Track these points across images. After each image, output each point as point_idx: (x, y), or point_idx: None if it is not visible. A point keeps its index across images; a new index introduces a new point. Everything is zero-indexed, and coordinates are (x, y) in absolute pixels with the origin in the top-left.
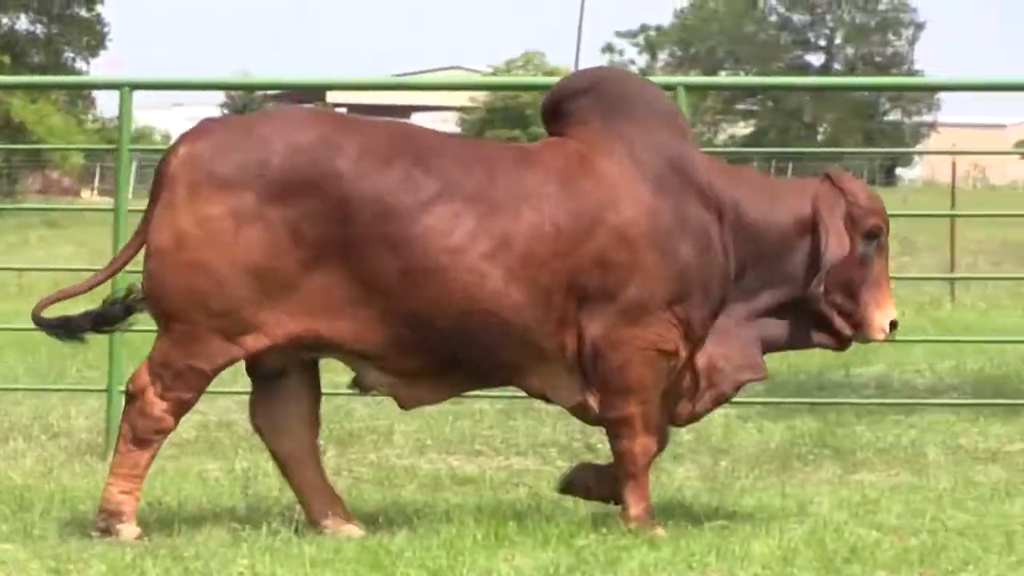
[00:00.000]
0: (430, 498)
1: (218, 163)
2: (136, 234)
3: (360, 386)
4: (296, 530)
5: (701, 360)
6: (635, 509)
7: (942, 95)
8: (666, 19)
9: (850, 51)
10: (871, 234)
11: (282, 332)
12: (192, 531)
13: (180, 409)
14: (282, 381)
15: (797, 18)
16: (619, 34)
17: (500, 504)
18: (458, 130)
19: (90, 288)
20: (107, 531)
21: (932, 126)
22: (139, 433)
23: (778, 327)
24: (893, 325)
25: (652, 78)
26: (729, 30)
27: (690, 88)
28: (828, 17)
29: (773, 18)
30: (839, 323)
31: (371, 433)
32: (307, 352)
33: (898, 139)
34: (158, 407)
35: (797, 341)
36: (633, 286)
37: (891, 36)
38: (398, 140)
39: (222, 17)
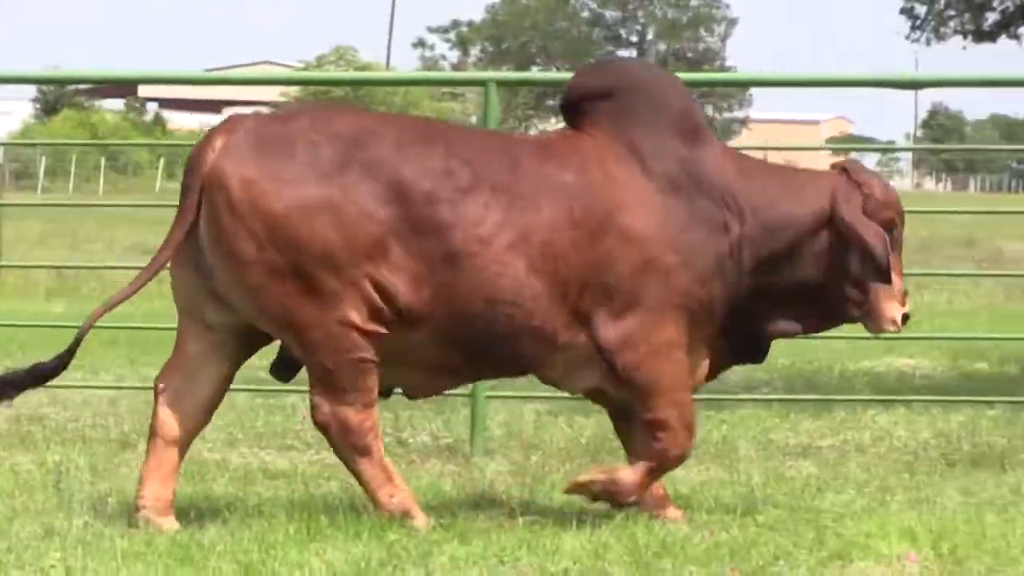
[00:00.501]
0: (241, 492)
1: (267, 158)
2: (174, 229)
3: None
4: (108, 523)
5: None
6: (634, 475)
7: (753, 91)
8: (478, 14)
9: (662, 47)
10: (886, 227)
11: (373, 313)
12: (4, 524)
13: (370, 402)
14: (202, 361)
15: (609, 14)
16: (431, 29)
17: (312, 498)
18: None
19: (137, 290)
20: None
21: (743, 122)
22: (359, 448)
23: (791, 318)
24: (905, 318)
25: (462, 74)
26: (541, 25)
27: (501, 84)
28: (640, 13)
29: (585, 14)
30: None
31: None
32: None
33: None
34: (353, 417)
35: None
36: (648, 287)
37: (703, 32)
38: (428, 129)
39: (30, 11)
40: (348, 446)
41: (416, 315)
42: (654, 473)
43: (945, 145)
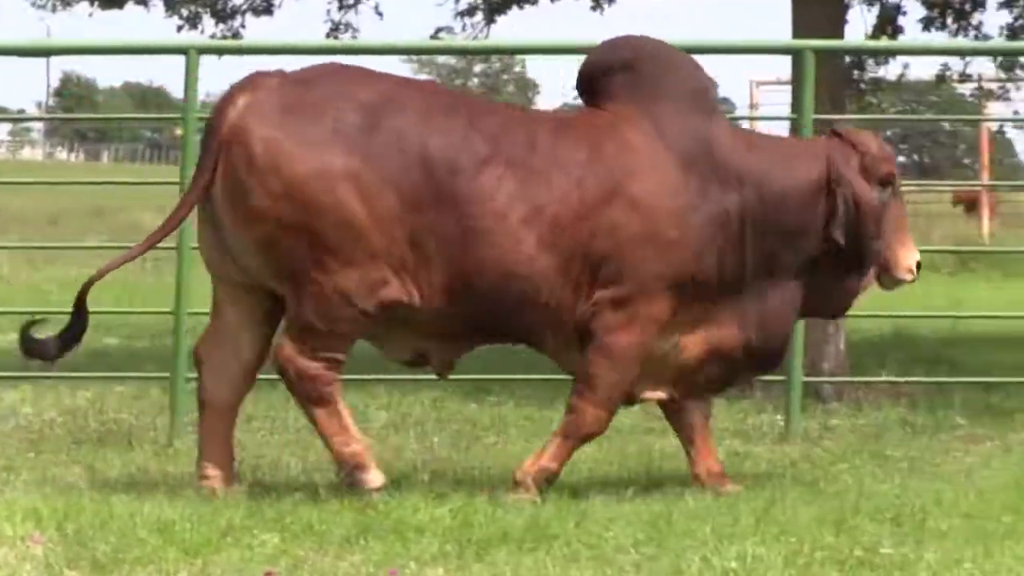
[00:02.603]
0: None
1: (293, 120)
2: (191, 188)
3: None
4: None
5: (714, 339)
6: (548, 463)
7: None
8: None
9: None
10: (886, 180)
11: (388, 290)
12: None
13: (337, 366)
14: (240, 325)
15: None
16: None
17: None
18: None
19: (148, 248)
20: (356, 484)
21: None
22: (316, 395)
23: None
24: (918, 265)
25: None
26: None
27: None
28: None
29: None
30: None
31: None
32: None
33: None
34: (313, 367)
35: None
36: (647, 258)
37: None
38: (451, 99)
39: None
40: (303, 393)
41: (426, 287)
42: (567, 442)
43: (77, 115)
